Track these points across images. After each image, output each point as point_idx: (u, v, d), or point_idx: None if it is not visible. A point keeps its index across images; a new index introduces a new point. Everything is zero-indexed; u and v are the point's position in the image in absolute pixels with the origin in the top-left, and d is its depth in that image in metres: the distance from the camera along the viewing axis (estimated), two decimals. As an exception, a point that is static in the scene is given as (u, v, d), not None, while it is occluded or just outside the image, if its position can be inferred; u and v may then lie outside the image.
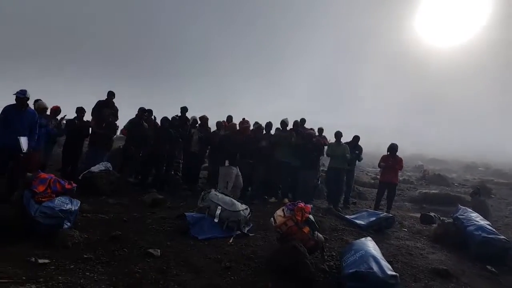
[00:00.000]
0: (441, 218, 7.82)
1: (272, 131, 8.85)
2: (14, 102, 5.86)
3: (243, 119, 8.48)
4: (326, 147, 8.76)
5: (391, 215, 7.37)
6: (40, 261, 3.53)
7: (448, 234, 6.37)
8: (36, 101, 7.18)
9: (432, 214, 8.19)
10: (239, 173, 7.27)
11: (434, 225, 7.40)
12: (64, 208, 4.45)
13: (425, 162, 29.34)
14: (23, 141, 5.83)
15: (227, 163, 6.71)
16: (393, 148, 8.66)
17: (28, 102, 6.02)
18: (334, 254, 5.00)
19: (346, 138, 9.02)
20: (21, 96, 5.82)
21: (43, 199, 4.38)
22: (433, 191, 12.53)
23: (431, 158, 30.43)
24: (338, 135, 8.67)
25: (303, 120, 9.41)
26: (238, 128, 8.16)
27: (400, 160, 8.61)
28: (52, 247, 4.00)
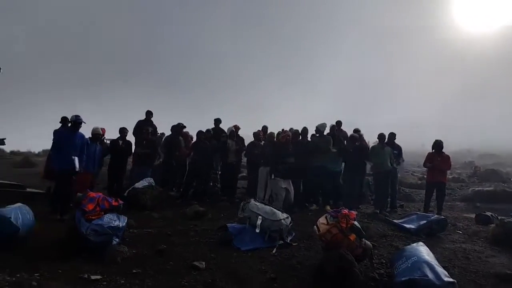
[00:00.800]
0: (499, 217, 7.28)
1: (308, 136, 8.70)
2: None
3: (283, 129, 8.46)
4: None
5: (443, 217, 6.94)
6: (93, 277, 3.65)
7: (509, 234, 5.88)
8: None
9: (488, 213, 7.63)
10: (291, 186, 6.98)
11: (492, 225, 6.89)
12: (112, 225, 4.60)
13: (475, 157, 27.69)
14: (76, 162, 6.20)
15: (273, 176, 6.55)
16: (438, 145, 8.18)
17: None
18: (384, 261, 4.76)
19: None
20: (79, 121, 6.25)
21: (92, 217, 4.54)
22: (487, 188, 11.71)
23: (481, 153, 28.63)
24: (381, 137, 8.34)
25: (339, 123, 9.20)
26: (277, 138, 8.12)
27: (448, 158, 8.11)
28: (103, 263, 4.13)
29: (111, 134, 9.00)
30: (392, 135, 8.76)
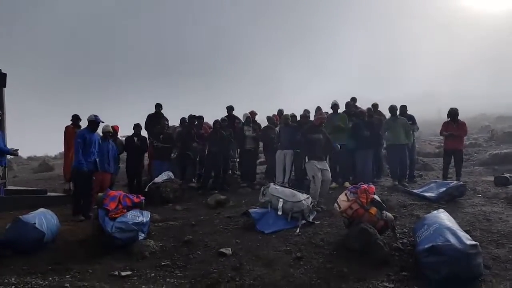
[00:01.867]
0: (517, 178, 7.25)
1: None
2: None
3: (305, 110, 8.46)
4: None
5: (462, 182, 6.92)
6: (123, 273, 3.75)
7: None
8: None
9: (507, 175, 7.58)
10: (327, 166, 6.84)
11: (511, 186, 6.89)
12: (137, 221, 4.71)
13: (492, 121, 27.17)
14: (99, 162, 6.38)
15: (307, 159, 6.50)
16: (453, 113, 8.06)
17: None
18: (406, 231, 4.80)
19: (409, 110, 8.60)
20: (99, 120, 6.40)
21: (116, 215, 4.65)
22: (505, 150, 11.55)
23: (498, 116, 28.07)
24: (392, 109, 8.23)
25: (354, 99, 9.13)
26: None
27: (463, 124, 8.01)
28: (131, 258, 4.24)
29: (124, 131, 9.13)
30: (403, 107, 8.66)
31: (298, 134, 7.18)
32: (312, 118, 8.24)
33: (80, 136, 6.24)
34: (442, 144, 9.86)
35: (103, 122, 6.62)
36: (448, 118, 8.19)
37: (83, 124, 7.36)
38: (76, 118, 7.95)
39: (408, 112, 8.72)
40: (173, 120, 9.66)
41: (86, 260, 4.21)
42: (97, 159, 6.33)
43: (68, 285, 3.39)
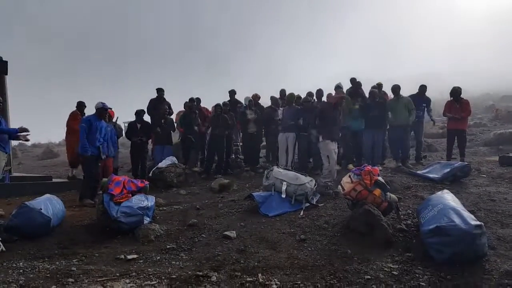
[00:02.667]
0: (523, 156, 7.21)
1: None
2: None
3: (308, 93, 8.37)
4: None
5: (466, 163, 6.90)
6: (129, 257, 3.78)
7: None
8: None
9: None
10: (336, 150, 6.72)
11: (516, 165, 6.86)
12: (141, 205, 4.74)
13: (496, 100, 26.86)
14: (102, 148, 6.41)
15: (321, 138, 6.38)
16: (456, 92, 7.93)
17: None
18: (410, 212, 4.82)
19: (411, 90, 8.46)
20: (106, 107, 6.45)
21: (121, 200, 4.68)
22: (510, 130, 11.46)
23: (502, 95, 27.74)
24: (395, 89, 8.07)
25: (353, 80, 9.01)
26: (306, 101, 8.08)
27: (467, 103, 7.88)
28: (137, 242, 4.29)
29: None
30: (423, 88, 8.49)
31: (304, 115, 7.11)
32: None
33: (85, 121, 6.27)
34: (446, 125, 9.77)
35: (110, 108, 6.69)
36: (450, 97, 8.09)
37: (88, 111, 7.40)
38: (80, 105, 7.93)
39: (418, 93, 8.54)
40: (177, 105, 9.59)
41: (92, 244, 4.26)
42: (100, 146, 6.34)
43: (75, 268, 3.42)
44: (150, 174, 7.55)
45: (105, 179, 5.17)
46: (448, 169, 6.46)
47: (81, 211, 5.76)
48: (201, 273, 3.25)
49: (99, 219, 4.78)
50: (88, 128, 6.19)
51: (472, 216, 3.51)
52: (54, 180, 8.24)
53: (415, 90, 8.61)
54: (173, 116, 9.54)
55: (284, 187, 5.46)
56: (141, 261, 3.73)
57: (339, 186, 4.67)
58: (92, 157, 6.24)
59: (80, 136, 6.19)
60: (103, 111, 6.43)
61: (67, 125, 7.92)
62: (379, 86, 8.79)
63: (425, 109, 8.44)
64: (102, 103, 6.39)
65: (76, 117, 7.71)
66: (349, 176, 4.60)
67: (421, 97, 8.39)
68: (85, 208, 5.97)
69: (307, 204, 5.33)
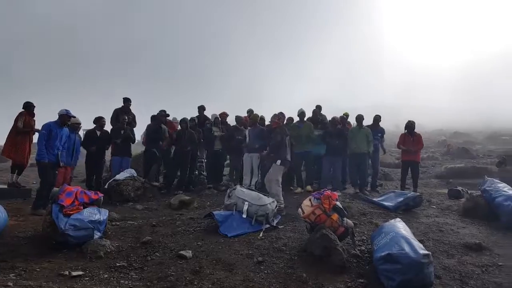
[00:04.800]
0: (469, 191, 7.68)
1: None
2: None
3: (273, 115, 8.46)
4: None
5: (418, 193, 7.24)
6: (74, 273, 3.56)
7: (477, 207, 6.30)
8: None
9: (459, 188, 8.05)
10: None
11: (463, 199, 7.30)
12: (93, 219, 4.51)
13: (448, 136, 28.61)
14: (60, 156, 6.18)
15: (278, 162, 6.37)
16: (410, 126, 8.45)
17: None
18: (365, 238, 4.94)
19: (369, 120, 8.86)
20: (70, 115, 6.29)
21: (71, 212, 4.43)
22: (459, 165, 12.27)
23: (454, 131, 29.68)
24: (359, 119, 8.41)
25: (319, 107, 9.29)
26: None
27: (419, 137, 8.42)
28: (85, 258, 4.05)
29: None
30: (377, 118, 8.91)
31: (269, 136, 7.20)
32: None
33: (46, 128, 6.05)
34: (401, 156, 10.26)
35: (74, 117, 6.56)
36: (405, 130, 8.54)
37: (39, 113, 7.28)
38: (28, 105, 7.53)
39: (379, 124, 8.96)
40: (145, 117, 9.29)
41: (34, 258, 3.99)
42: (59, 153, 6.11)
43: (11, 284, 3.16)
44: (106, 186, 7.19)
45: (56, 189, 4.90)
46: (402, 198, 6.76)
47: (26, 221, 5.40)
48: (151, 294, 3.11)
49: (45, 231, 4.48)
50: (48, 135, 5.98)
51: (421, 245, 3.67)
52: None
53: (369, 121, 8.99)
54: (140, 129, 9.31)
55: (245, 207, 5.40)
56: (87, 278, 3.53)
57: (299, 209, 4.70)
58: (49, 164, 5.99)
59: (38, 143, 5.96)
60: (65, 119, 6.23)
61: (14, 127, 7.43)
62: (346, 116, 9.09)
63: (380, 139, 8.85)
64: (66, 110, 6.22)
65: (24, 118, 7.39)
66: (309, 200, 4.66)
67: (376, 127, 8.82)
68: (32, 218, 5.60)
69: (267, 226, 5.30)
